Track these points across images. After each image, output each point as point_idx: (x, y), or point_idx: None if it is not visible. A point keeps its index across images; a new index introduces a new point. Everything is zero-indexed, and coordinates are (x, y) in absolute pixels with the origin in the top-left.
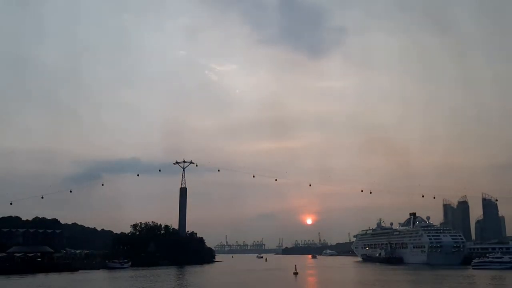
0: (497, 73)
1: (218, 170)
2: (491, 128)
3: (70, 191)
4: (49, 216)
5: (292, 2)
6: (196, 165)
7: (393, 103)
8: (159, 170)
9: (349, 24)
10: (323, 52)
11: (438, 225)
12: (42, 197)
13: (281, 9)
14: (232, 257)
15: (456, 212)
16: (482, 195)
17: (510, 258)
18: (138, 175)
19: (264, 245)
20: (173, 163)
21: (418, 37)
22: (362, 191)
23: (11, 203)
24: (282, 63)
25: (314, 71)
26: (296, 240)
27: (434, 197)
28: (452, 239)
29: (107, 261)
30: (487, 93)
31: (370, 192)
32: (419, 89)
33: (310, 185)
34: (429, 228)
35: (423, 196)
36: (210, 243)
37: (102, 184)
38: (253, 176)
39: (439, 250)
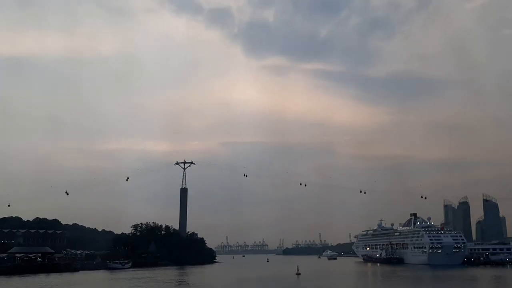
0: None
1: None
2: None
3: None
4: (49, 216)
5: None
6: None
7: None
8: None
9: None
10: None
11: (439, 226)
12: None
13: None
14: (233, 257)
15: (457, 213)
16: (483, 195)
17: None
18: (135, 177)
19: (267, 245)
20: (174, 164)
21: None
22: (364, 192)
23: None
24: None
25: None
26: (296, 241)
27: (425, 197)
28: (453, 239)
29: (107, 261)
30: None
31: (364, 192)
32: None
33: (305, 185)
34: (429, 229)
35: (425, 198)
36: (210, 243)
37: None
38: (245, 175)
39: (440, 251)
